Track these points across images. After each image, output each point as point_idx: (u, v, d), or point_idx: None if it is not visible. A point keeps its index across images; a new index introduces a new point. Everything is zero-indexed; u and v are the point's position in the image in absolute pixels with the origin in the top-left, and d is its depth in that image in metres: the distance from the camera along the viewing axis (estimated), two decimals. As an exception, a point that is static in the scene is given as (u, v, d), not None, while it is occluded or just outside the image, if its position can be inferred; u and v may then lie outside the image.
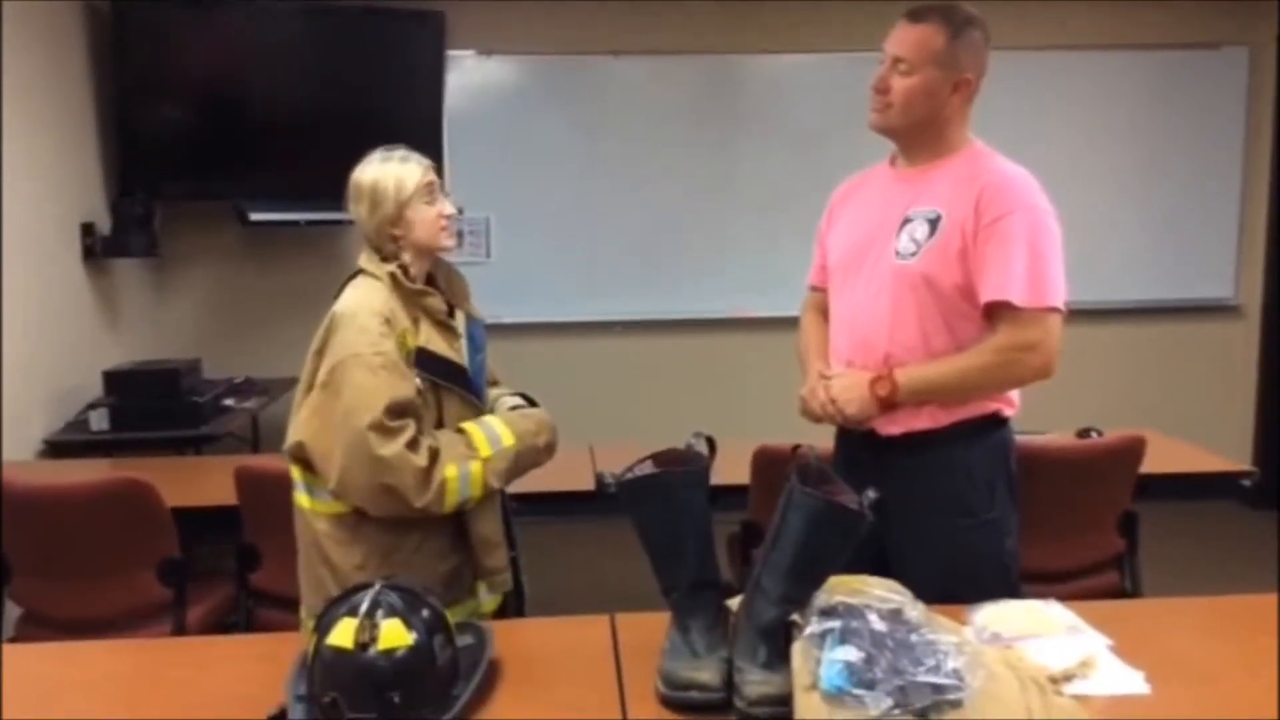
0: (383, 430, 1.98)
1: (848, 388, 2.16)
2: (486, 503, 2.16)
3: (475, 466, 2.08)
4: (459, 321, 2.24)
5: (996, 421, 2.21)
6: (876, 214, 2.24)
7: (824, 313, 2.38)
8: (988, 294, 2.09)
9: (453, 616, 1.64)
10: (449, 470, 2.04)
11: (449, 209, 2.16)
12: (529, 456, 2.18)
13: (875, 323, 2.18)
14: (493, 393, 2.32)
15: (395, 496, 2.01)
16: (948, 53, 2.13)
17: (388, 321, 2.05)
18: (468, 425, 2.13)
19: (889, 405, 2.13)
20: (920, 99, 2.14)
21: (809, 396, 2.24)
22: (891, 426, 2.16)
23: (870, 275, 2.20)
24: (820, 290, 2.42)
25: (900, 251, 2.16)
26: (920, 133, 2.20)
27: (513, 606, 2.30)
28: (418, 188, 2.12)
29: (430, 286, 2.20)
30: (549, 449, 2.23)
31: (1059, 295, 2.11)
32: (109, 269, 4.55)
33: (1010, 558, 2.22)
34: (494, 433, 2.13)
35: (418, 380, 2.07)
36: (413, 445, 2.00)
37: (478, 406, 2.19)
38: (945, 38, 2.12)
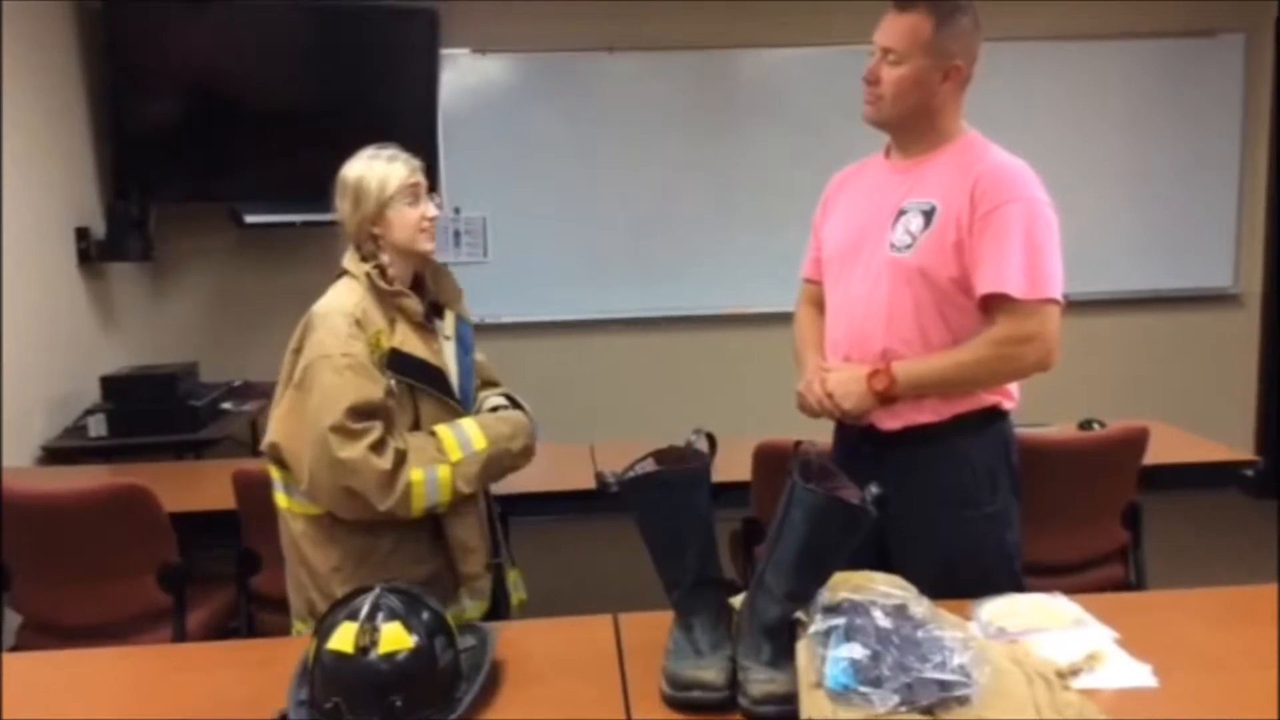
0: (344, 432, 1.97)
1: (844, 382, 2.14)
2: (464, 507, 2.14)
3: (443, 470, 2.06)
4: (448, 323, 2.22)
5: (997, 414, 2.19)
6: (871, 206, 2.22)
7: (819, 306, 2.37)
8: (984, 286, 2.07)
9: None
10: (415, 474, 2.02)
11: (432, 212, 2.15)
12: (502, 460, 2.16)
13: (871, 316, 2.16)
14: (482, 394, 2.30)
15: (359, 499, 2.00)
16: (936, 40, 2.10)
17: (358, 323, 2.04)
18: (440, 428, 2.11)
19: (886, 399, 2.11)
20: (910, 88, 2.12)
21: (806, 391, 2.22)
22: (891, 421, 2.15)
23: (865, 268, 2.19)
24: (814, 283, 2.40)
25: (895, 244, 2.14)
26: (914, 123, 2.17)
27: (501, 614, 2.27)
28: (401, 188, 2.10)
29: (417, 287, 2.19)
30: (525, 453, 2.20)
31: (1057, 287, 2.08)
32: (104, 273, 4.53)
33: (1013, 550, 2.20)
34: (465, 436, 2.11)
35: (391, 382, 2.06)
36: (377, 448, 1.99)
37: (455, 409, 2.16)
38: (932, 25, 2.10)
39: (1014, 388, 2.20)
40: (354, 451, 1.97)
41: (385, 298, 2.10)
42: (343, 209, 2.13)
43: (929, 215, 2.12)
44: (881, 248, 2.16)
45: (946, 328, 2.12)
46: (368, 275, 2.09)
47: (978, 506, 2.16)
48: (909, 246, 2.12)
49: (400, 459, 2.01)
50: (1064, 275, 2.11)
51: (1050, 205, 2.12)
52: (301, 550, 2.11)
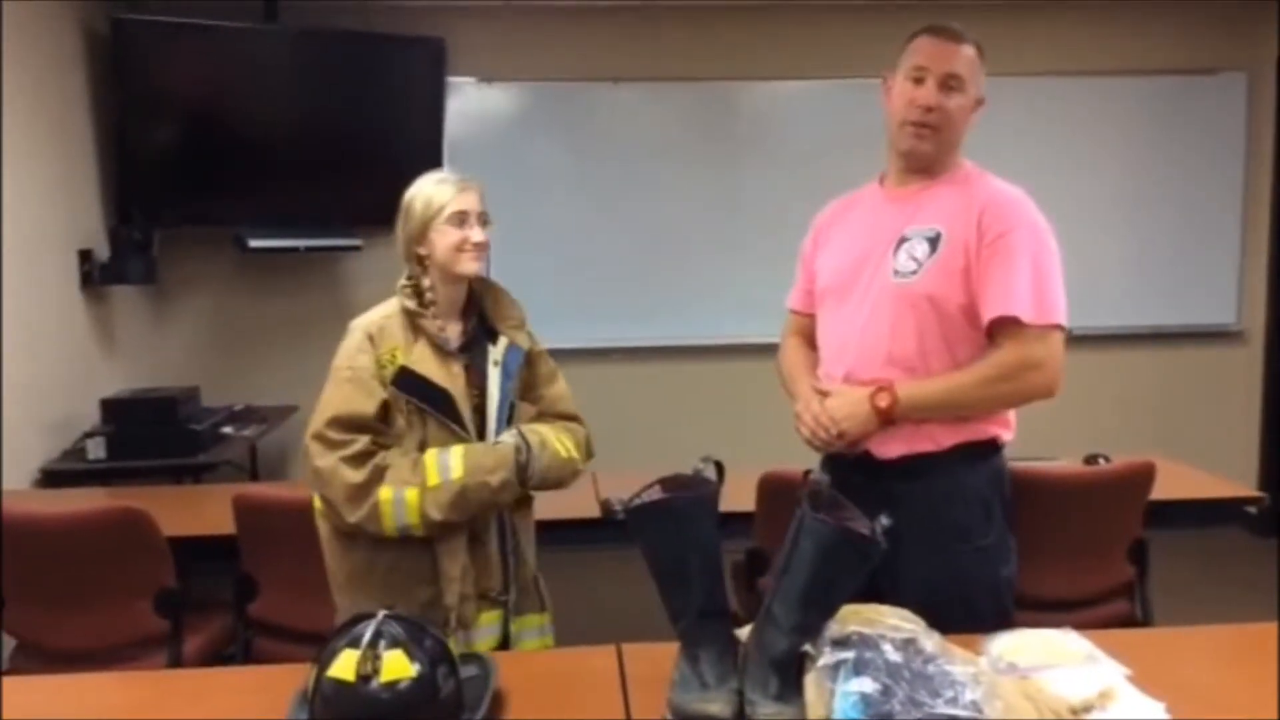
0: (324, 441, 2.04)
1: (845, 404, 2.09)
2: (450, 535, 2.09)
3: (411, 493, 2.02)
4: (499, 348, 2.20)
5: (994, 447, 2.16)
6: (869, 234, 2.20)
7: (805, 337, 2.35)
8: (993, 310, 2.05)
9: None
10: (384, 493, 2.03)
11: (476, 237, 2.15)
12: (480, 493, 2.06)
13: (873, 342, 2.13)
14: (527, 426, 2.21)
15: (332, 509, 2.05)
16: (981, 70, 2.15)
17: (371, 337, 2.09)
18: (429, 452, 2.07)
19: (888, 419, 2.06)
20: (966, 116, 2.15)
21: (804, 411, 2.15)
22: (889, 448, 2.10)
23: (864, 295, 2.16)
24: (803, 315, 2.37)
25: (899, 270, 2.11)
26: (944, 153, 2.17)
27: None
28: (445, 208, 2.13)
29: (468, 311, 2.20)
30: (504, 487, 2.09)
31: (1063, 313, 2.07)
32: (107, 296, 4.52)
33: (1004, 585, 2.16)
34: (447, 463, 2.06)
35: (403, 400, 2.07)
36: (356, 460, 2.02)
37: (459, 434, 2.11)
38: (977, 56, 2.14)
39: (1011, 418, 2.17)
40: (327, 461, 2.02)
41: (409, 317, 2.13)
42: (397, 229, 2.18)
43: (934, 241, 2.10)
44: (882, 274, 2.13)
45: (949, 354, 2.09)
46: (401, 290, 2.14)
47: (971, 539, 2.12)
48: (914, 273, 2.10)
49: (378, 475, 2.02)
50: (1067, 308, 2.10)
51: (1051, 233, 2.11)
52: (326, 553, 2.16)
